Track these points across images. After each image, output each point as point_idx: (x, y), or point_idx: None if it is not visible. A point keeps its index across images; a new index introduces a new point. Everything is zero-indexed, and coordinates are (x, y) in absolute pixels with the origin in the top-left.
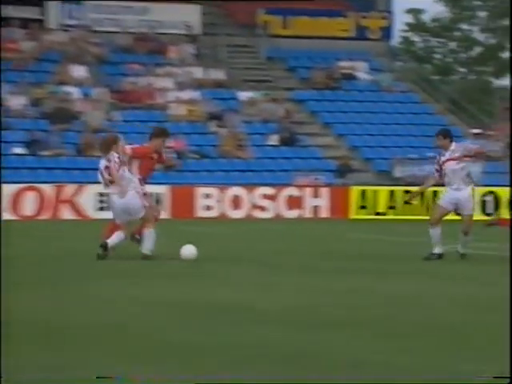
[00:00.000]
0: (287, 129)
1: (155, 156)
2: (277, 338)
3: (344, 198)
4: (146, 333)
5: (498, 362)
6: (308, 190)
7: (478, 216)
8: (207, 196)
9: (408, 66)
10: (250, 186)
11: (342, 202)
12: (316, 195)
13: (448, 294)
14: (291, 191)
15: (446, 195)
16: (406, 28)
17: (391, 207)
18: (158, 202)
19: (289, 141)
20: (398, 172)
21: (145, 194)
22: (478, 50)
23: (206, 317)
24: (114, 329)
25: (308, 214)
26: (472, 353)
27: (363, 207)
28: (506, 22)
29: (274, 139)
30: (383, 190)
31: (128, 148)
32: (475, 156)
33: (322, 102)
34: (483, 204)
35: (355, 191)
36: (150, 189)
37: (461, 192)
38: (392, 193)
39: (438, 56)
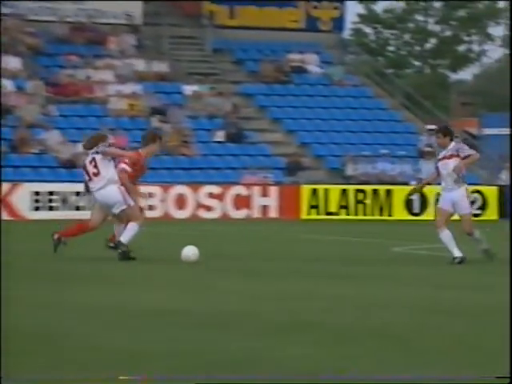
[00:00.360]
0: (234, 124)
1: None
2: (214, 344)
3: (294, 198)
4: (79, 339)
5: (446, 365)
6: (256, 189)
7: (434, 216)
8: (149, 195)
9: (360, 59)
10: (195, 184)
11: (292, 202)
12: (265, 194)
13: (400, 297)
14: (239, 190)
15: (442, 197)
16: (358, 19)
17: (343, 207)
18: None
19: (236, 137)
20: (351, 170)
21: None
22: (433, 42)
23: (141, 322)
24: (48, 335)
25: (256, 214)
26: (419, 358)
27: (314, 207)
28: (462, 13)
29: (220, 135)
30: (335, 189)
31: (125, 157)
32: (464, 161)
33: (271, 97)
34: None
35: (306, 190)
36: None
37: (454, 192)
38: (344, 192)
39: (391, 48)
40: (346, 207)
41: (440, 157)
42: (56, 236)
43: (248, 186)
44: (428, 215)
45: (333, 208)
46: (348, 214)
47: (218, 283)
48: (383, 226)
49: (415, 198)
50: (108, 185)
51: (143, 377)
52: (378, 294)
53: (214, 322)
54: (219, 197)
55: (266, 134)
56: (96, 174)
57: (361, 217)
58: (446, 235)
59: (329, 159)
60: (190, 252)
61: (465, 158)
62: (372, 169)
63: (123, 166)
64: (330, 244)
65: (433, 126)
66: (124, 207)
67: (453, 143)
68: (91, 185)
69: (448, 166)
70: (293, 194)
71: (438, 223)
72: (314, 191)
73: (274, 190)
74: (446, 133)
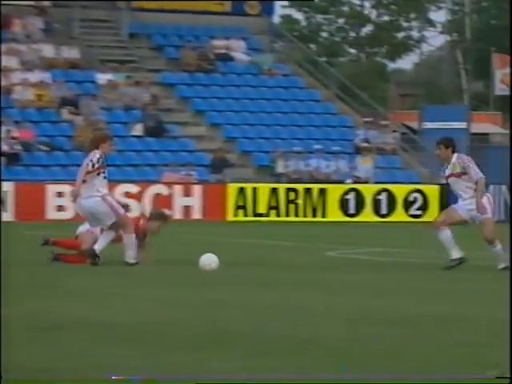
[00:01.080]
0: (154, 117)
1: None
2: (130, 357)
3: (220, 197)
4: None
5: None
6: (178, 188)
7: (371, 217)
8: (60, 195)
9: (291, 46)
10: (110, 182)
11: (218, 202)
12: (187, 194)
13: (330, 306)
14: (159, 189)
15: (462, 204)
16: (288, 3)
17: (273, 207)
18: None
19: (155, 131)
20: (281, 167)
21: (119, 203)
22: (369, 28)
23: (46, 334)
24: None
25: (178, 215)
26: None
27: (241, 207)
28: None
29: (138, 129)
30: (264, 188)
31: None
32: (479, 195)
33: (194, 87)
34: (376, 204)
35: (232, 189)
36: None
37: (473, 203)
38: (274, 191)
39: (324, 35)
40: (276, 208)
41: (447, 174)
42: (50, 240)
43: (169, 184)
44: (365, 216)
45: (262, 209)
46: (278, 216)
47: (129, 291)
48: (316, 228)
49: (351, 197)
50: (93, 195)
51: (141, 377)
52: (306, 303)
53: (125, 335)
54: (137, 196)
55: (188, 127)
56: (84, 181)
57: (292, 218)
58: (446, 234)
59: (257, 155)
60: (210, 260)
61: (467, 172)
62: (304, 166)
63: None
64: (256, 248)
65: (369, 119)
66: (113, 219)
67: (455, 155)
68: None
69: (459, 184)
70: (218, 194)
71: (439, 223)
72: (241, 190)
73: (197, 189)
74: (448, 144)
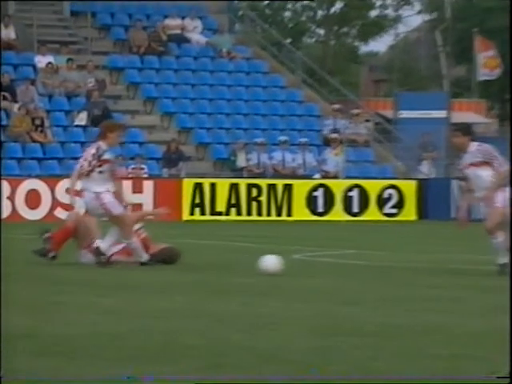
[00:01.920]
0: (99, 105)
1: None
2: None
3: (174, 194)
4: None
5: None
6: (127, 184)
7: (342, 216)
8: None
9: (252, 27)
10: (51, 178)
11: (172, 199)
12: (137, 190)
13: (294, 315)
14: None
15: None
16: None
17: (233, 205)
18: None
19: (101, 120)
20: (242, 160)
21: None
22: (339, 6)
23: None
24: None
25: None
26: None
27: (198, 205)
28: None
29: (82, 118)
30: (223, 183)
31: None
32: (501, 177)
33: (144, 71)
34: (347, 201)
35: (188, 185)
36: None
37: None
38: (234, 187)
39: (288, 14)
40: (236, 206)
41: (466, 163)
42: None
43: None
44: (334, 215)
45: (220, 207)
46: (239, 214)
47: (70, 299)
48: (281, 228)
49: (319, 194)
50: (89, 191)
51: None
52: (267, 311)
53: (67, 348)
54: (81, 193)
55: (138, 116)
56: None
57: (254, 217)
58: (501, 240)
59: (215, 147)
60: (274, 263)
61: (490, 162)
62: (268, 159)
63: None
64: (214, 250)
65: (338, 106)
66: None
67: (475, 144)
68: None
69: (480, 176)
70: (172, 190)
71: (492, 226)
72: (198, 186)
73: (148, 185)
74: (467, 131)
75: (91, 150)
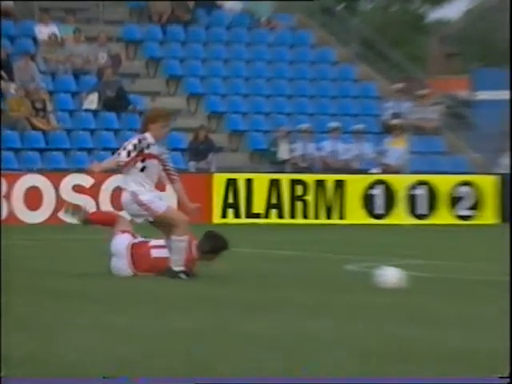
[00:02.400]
0: (112, 85)
1: None
2: None
3: (202, 192)
4: None
5: None
6: None
7: (405, 219)
8: None
9: None
10: (55, 172)
11: (199, 198)
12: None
13: (350, 338)
14: (119, 180)
15: None
16: None
17: (274, 206)
18: None
19: (115, 103)
20: (284, 152)
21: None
22: None
23: None
24: None
25: None
26: None
27: (231, 206)
28: None
29: (92, 101)
30: (262, 179)
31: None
32: None
33: (167, 44)
34: (411, 201)
35: (219, 181)
36: None
37: None
38: (275, 183)
39: None
40: (277, 206)
41: None
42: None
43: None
44: (396, 217)
45: (258, 207)
46: (280, 217)
47: (77, 316)
48: (331, 233)
49: (378, 192)
50: (126, 190)
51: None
52: (311, 332)
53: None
54: (91, 191)
55: (159, 98)
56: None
57: (299, 220)
58: None
59: (252, 136)
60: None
61: None
62: (315, 150)
63: None
64: (251, 259)
65: (401, 85)
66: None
67: None
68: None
69: None
70: (199, 187)
71: None
72: (231, 183)
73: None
74: None
75: (133, 140)
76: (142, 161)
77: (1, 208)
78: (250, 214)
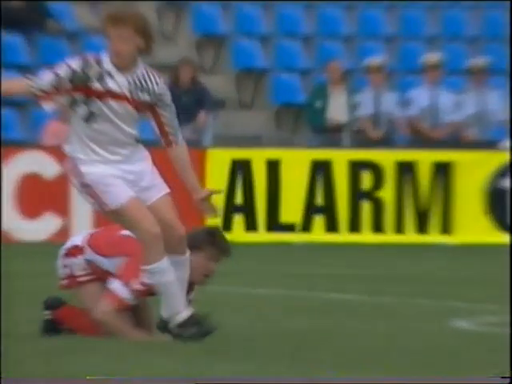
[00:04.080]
0: None
1: None
2: None
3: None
4: None
5: None
6: None
7: None
8: None
9: None
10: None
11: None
12: None
13: None
14: None
15: None
16: None
17: (318, 210)
18: None
19: None
20: (339, 110)
21: None
22: None
23: None
24: None
25: None
26: None
27: (238, 209)
28: None
29: None
30: (296, 159)
31: None
32: None
33: None
34: None
35: (217, 161)
36: None
37: None
38: (321, 168)
39: None
40: (324, 211)
41: None
42: None
43: None
44: None
45: (289, 214)
46: (330, 230)
47: (76, 341)
48: (430, 257)
49: None
50: None
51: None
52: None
53: None
54: None
55: None
56: None
57: (366, 236)
58: None
59: (279, 81)
60: None
61: None
62: (398, 106)
63: None
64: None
65: None
66: None
67: None
68: None
69: None
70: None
71: None
72: (238, 166)
73: None
74: None
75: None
76: (86, 100)
77: (1, 201)
78: (274, 225)
